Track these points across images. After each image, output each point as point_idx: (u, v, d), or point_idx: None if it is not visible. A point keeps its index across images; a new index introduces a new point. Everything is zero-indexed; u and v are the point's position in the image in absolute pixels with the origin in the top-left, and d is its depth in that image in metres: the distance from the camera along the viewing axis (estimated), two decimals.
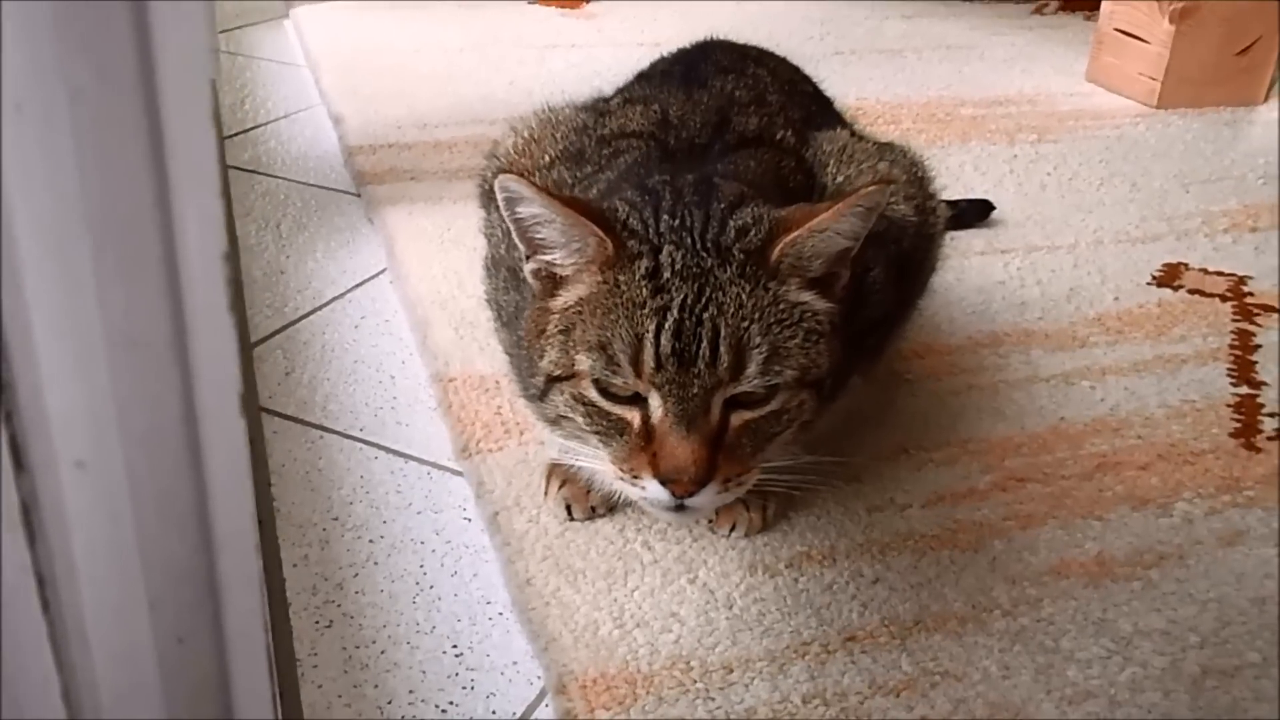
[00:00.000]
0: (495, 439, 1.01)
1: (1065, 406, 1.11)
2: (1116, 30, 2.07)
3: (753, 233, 0.72)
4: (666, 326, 0.68)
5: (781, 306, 0.70)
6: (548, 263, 0.74)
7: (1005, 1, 2.80)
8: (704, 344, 0.68)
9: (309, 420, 1.06)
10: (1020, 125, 1.89)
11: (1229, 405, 1.12)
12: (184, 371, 0.32)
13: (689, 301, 0.68)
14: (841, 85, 1.16)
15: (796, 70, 1.08)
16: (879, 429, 1.06)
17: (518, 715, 0.77)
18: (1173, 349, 1.22)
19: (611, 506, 0.92)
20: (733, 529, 0.90)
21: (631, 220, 0.73)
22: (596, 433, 0.73)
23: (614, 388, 0.71)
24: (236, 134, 1.74)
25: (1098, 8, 2.15)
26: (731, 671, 0.79)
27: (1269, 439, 1.06)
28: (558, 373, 0.73)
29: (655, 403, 0.70)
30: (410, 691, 0.78)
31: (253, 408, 1.07)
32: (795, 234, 0.70)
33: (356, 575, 0.88)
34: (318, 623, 0.83)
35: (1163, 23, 1.96)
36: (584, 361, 0.71)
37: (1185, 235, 1.50)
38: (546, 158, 0.93)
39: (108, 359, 0.31)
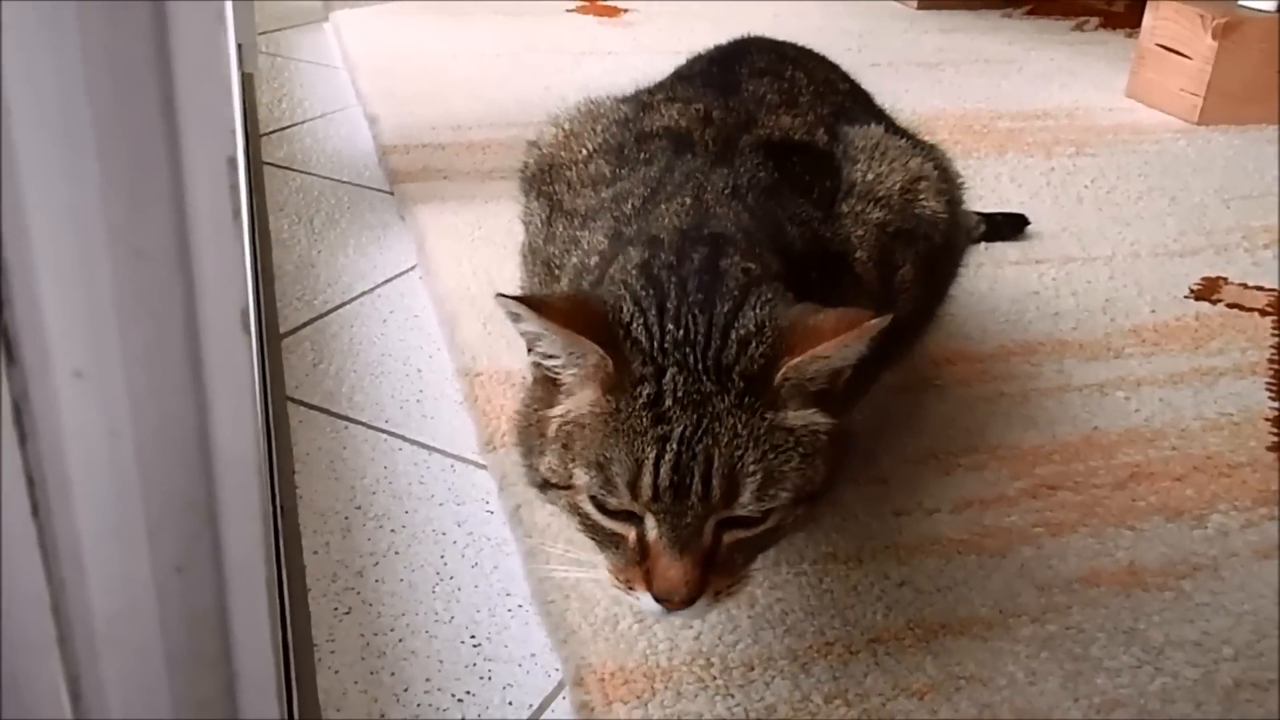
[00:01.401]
0: None
1: (1099, 416, 1.09)
2: (1158, 45, 2.05)
3: (754, 348, 0.69)
4: (666, 458, 0.66)
5: (778, 434, 0.68)
6: (549, 368, 0.72)
7: (1045, 17, 2.79)
8: (698, 476, 0.67)
9: (335, 411, 1.06)
10: (1058, 139, 1.87)
11: (1267, 419, 1.10)
12: (188, 285, 0.31)
13: (687, 434, 0.67)
14: (877, 97, 1.14)
15: (834, 68, 1.07)
16: (906, 434, 1.04)
17: (534, 706, 0.76)
18: (1210, 362, 1.20)
19: None
20: None
21: (635, 328, 0.70)
22: (593, 540, 0.73)
23: (610, 505, 0.70)
24: (272, 131, 1.75)
25: (1139, 25, 2.13)
26: (752, 669, 0.78)
27: None
28: (555, 481, 0.72)
29: (650, 525, 0.69)
30: (427, 680, 0.77)
31: (280, 398, 1.07)
32: (798, 360, 0.68)
33: (377, 564, 0.87)
34: (336, 609, 0.83)
35: (1205, 38, 1.94)
36: (581, 478, 0.69)
37: (1224, 250, 1.48)
38: (584, 151, 0.93)
39: (110, 267, 0.30)
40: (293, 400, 1.07)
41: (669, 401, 0.67)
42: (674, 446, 0.66)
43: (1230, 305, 1.33)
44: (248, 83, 1.90)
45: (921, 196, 0.90)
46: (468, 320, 1.18)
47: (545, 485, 0.73)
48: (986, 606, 0.84)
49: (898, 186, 0.89)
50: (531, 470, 0.74)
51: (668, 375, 0.68)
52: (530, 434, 0.74)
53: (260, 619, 0.38)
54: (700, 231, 0.77)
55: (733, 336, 0.69)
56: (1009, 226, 1.48)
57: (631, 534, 0.70)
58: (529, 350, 0.73)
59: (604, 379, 0.69)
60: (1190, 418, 1.09)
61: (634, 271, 0.74)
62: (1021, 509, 0.95)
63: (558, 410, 0.71)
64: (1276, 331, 1.27)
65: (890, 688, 0.76)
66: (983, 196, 1.55)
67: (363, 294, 1.28)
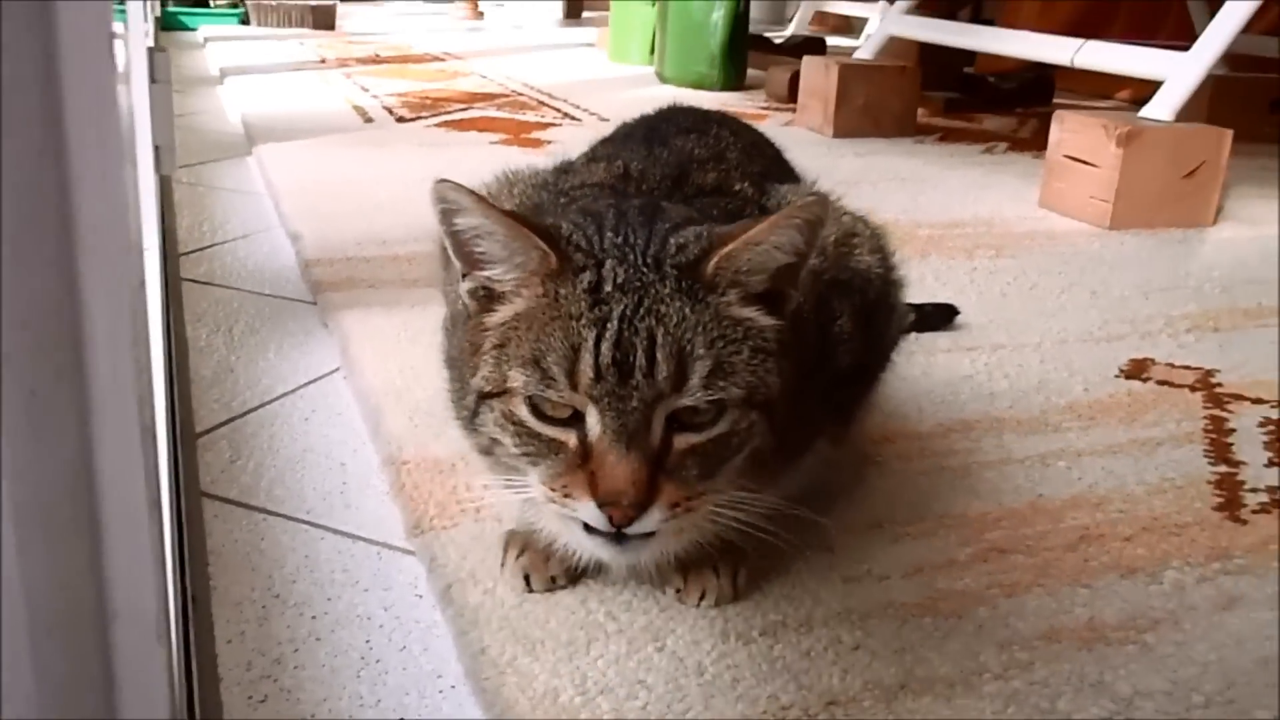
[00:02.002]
0: (450, 516, 0.96)
1: (1042, 485, 1.07)
2: (1066, 156, 2.13)
3: (691, 248, 0.69)
4: (607, 336, 0.65)
5: (724, 321, 0.67)
6: (486, 279, 0.71)
7: (955, 143, 2.89)
8: (642, 354, 0.64)
9: (252, 504, 1.00)
10: (977, 243, 1.91)
11: (1209, 482, 1.08)
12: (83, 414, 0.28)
13: (628, 312, 0.65)
14: None
15: (760, 134, 1.08)
16: (850, 505, 1.01)
17: None
18: (1146, 433, 1.19)
19: (573, 577, 0.87)
20: (702, 598, 0.85)
21: (575, 236, 0.70)
22: (526, 454, 0.69)
23: (548, 406, 0.67)
24: (192, 251, 1.72)
25: (1044, 148, 2.21)
26: None
27: (1254, 512, 1.03)
28: (488, 389, 0.69)
29: (593, 420, 0.66)
30: None
31: (193, 494, 1.01)
32: (730, 247, 0.68)
33: (297, 650, 0.81)
34: (251, 697, 0.76)
35: (1110, 145, 2.01)
36: (517, 378, 0.67)
37: (1149, 335, 1.49)
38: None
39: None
40: (207, 495, 1.01)
41: (609, 287, 0.66)
42: (615, 324, 0.64)
43: (1160, 382, 1.33)
44: (165, 185, 1.88)
45: (856, 250, 0.89)
46: (393, 414, 1.14)
47: (478, 402, 0.69)
48: (946, 666, 0.80)
49: (832, 238, 0.88)
50: (462, 404, 0.71)
51: (607, 265, 0.67)
52: (462, 363, 0.71)
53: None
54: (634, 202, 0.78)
55: (671, 241, 0.68)
56: (938, 317, 1.49)
57: (572, 438, 0.66)
58: (464, 276, 0.72)
59: (544, 275, 0.67)
60: (1133, 483, 1.08)
61: (573, 213, 0.74)
62: (974, 572, 0.92)
63: (495, 318, 0.69)
64: (1207, 405, 1.27)
65: None
66: (909, 293, 1.56)
67: (283, 395, 1.23)
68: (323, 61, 3.94)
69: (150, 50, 1.30)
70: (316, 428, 1.16)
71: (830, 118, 2.84)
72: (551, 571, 0.85)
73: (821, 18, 5.71)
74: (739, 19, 3.70)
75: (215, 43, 4.18)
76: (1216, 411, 1.25)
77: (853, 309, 0.86)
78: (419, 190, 0.96)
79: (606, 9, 4.68)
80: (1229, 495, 1.06)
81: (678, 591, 0.85)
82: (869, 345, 0.91)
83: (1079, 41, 2.34)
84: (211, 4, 4.88)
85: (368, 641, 0.82)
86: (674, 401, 0.66)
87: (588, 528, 0.69)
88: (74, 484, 0.34)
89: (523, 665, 0.77)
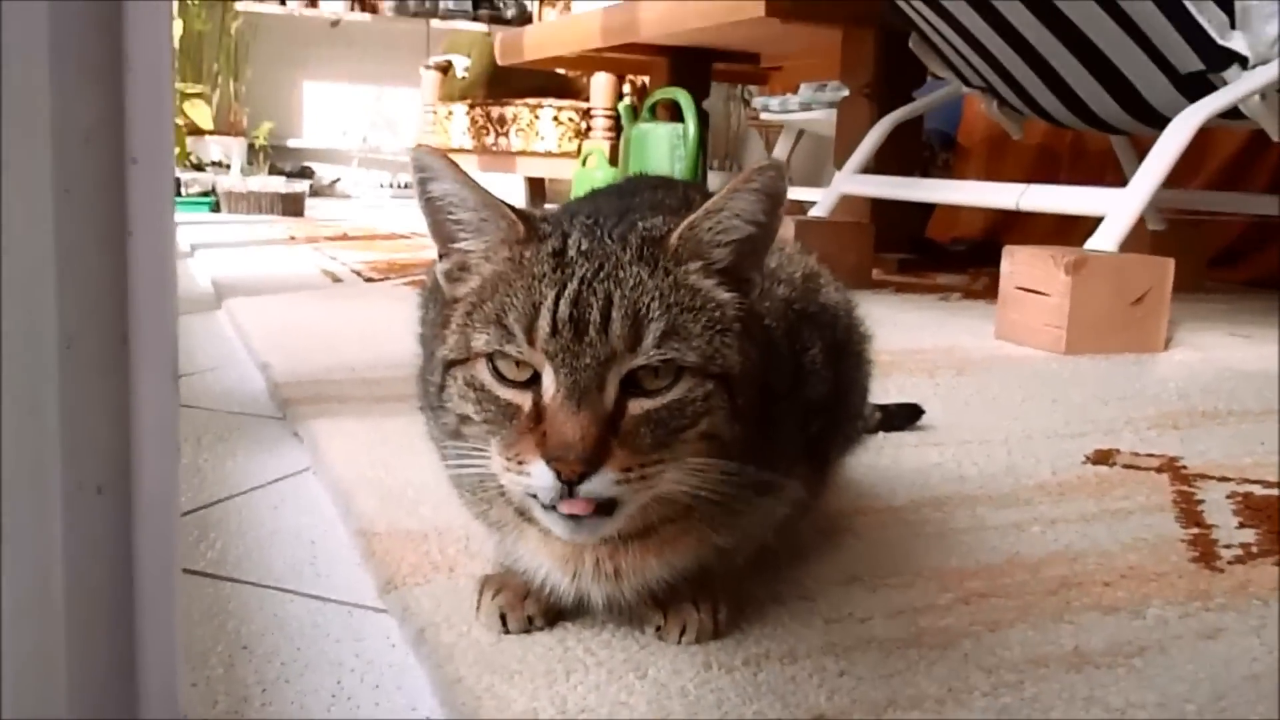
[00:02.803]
0: (423, 574, 0.94)
1: (1018, 545, 1.07)
2: (1018, 288, 2.20)
3: (656, 228, 0.73)
4: (565, 295, 0.67)
5: (682, 290, 0.70)
6: (460, 250, 0.73)
7: (910, 293, 2.97)
8: (598, 313, 0.66)
9: (219, 574, 0.98)
10: (938, 365, 1.95)
11: (1183, 541, 1.09)
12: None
13: (588, 275, 0.68)
14: None
15: None
16: (827, 562, 1.00)
17: None
18: (1117, 504, 1.20)
19: (551, 618, 0.85)
20: (683, 633, 0.83)
21: (544, 216, 0.75)
22: (487, 421, 0.69)
23: (507, 367, 0.68)
24: None
25: (997, 297, 2.28)
26: None
27: (1229, 562, 1.03)
28: (454, 355, 0.70)
29: (548, 380, 0.67)
30: None
31: None
32: (692, 217, 0.71)
33: (265, 690, 0.78)
34: None
35: (1059, 274, 2.08)
36: (479, 339, 0.69)
37: (1111, 432, 1.52)
38: None
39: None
40: None
41: (572, 252, 0.68)
42: (574, 285, 0.66)
43: (1126, 466, 1.35)
44: None
45: (823, 287, 0.92)
46: (365, 497, 1.13)
47: (444, 374, 0.70)
48: (934, 687, 0.78)
49: (799, 274, 0.91)
50: (430, 381, 0.72)
51: (573, 235, 0.70)
52: (432, 340, 0.74)
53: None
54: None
55: (637, 223, 0.71)
56: (903, 416, 1.51)
57: (528, 401, 0.66)
58: (441, 257, 0.74)
59: (512, 242, 0.70)
60: (1108, 544, 1.08)
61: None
62: (956, 613, 0.90)
63: (464, 289, 0.71)
64: (1174, 483, 1.28)
65: None
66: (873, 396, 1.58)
67: (251, 489, 1.22)
68: (292, 239, 4.03)
69: None
70: (286, 514, 1.14)
71: None
72: (528, 611, 0.84)
73: None
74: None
75: (186, 225, 4.27)
76: (1184, 488, 1.26)
77: (823, 342, 0.88)
78: (388, 330, 1.00)
79: (568, 195, 4.86)
80: (1204, 550, 1.06)
81: (658, 629, 0.84)
82: (839, 382, 0.92)
83: (1022, 186, 2.45)
84: (184, 193, 5.01)
85: (339, 682, 0.79)
86: (628, 362, 0.67)
87: (546, 507, 0.68)
88: None
89: (501, 692, 0.75)
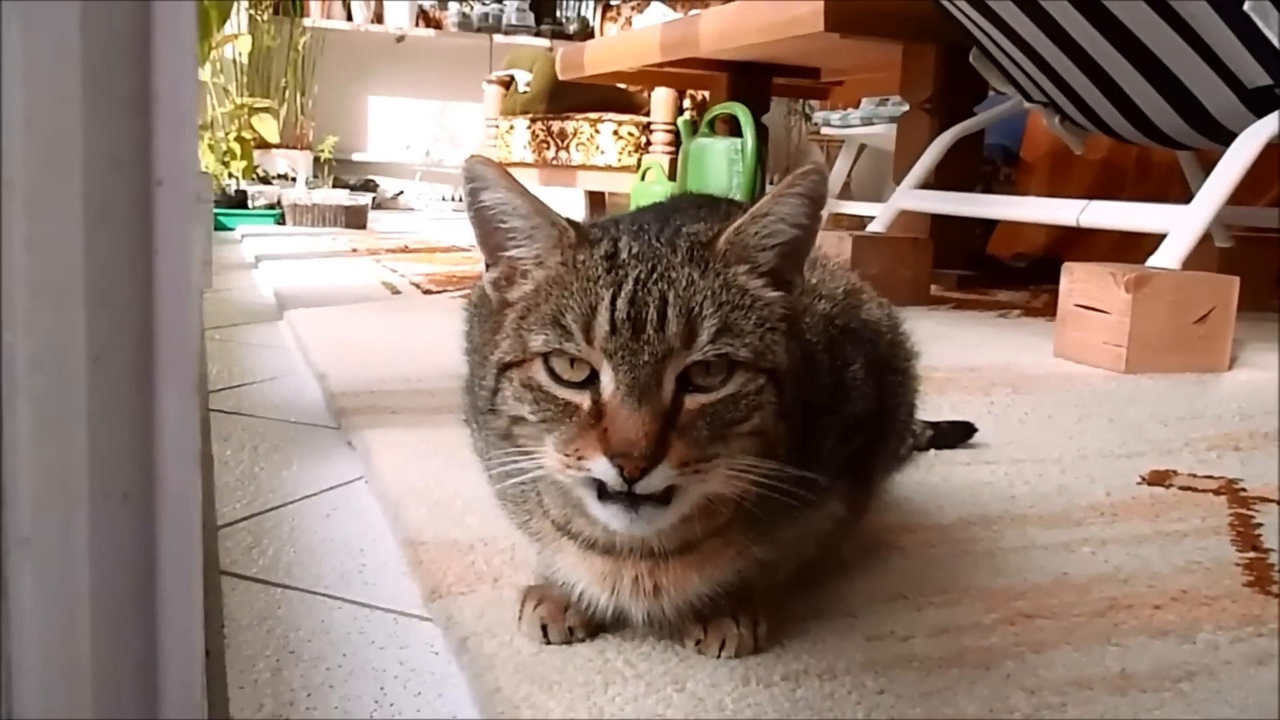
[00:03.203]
0: (467, 584, 0.95)
1: (1067, 566, 1.06)
2: (1078, 305, 2.17)
3: (702, 233, 0.75)
4: (622, 295, 0.69)
5: (732, 290, 0.72)
6: (509, 259, 0.75)
7: (968, 310, 2.95)
8: (654, 311, 0.68)
9: (270, 580, 1.00)
10: (994, 382, 1.93)
11: (1237, 565, 1.07)
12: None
13: (642, 276, 0.70)
14: None
15: None
16: (871, 579, 1.00)
17: None
18: (1171, 527, 1.18)
19: (591, 630, 0.85)
20: (722, 647, 0.83)
21: (593, 225, 0.77)
22: (544, 421, 0.71)
23: (564, 367, 0.70)
24: (220, 389, 1.75)
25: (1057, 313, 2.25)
26: None
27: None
28: (510, 358, 0.72)
29: (606, 378, 0.69)
30: None
31: (212, 573, 1.01)
32: (738, 222, 0.73)
33: (309, 695, 0.79)
34: None
35: (1119, 291, 2.05)
36: (536, 340, 0.70)
37: (1169, 453, 1.49)
38: None
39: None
40: (225, 573, 1.01)
41: (624, 255, 0.70)
42: (630, 286, 0.68)
43: (1183, 488, 1.32)
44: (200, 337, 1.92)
45: (865, 303, 0.92)
46: (413, 507, 1.15)
47: (499, 377, 0.71)
48: (974, 707, 0.77)
49: (841, 290, 0.91)
50: (481, 387, 0.73)
51: (623, 240, 0.72)
52: (483, 348, 0.74)
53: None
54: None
55: (684, 229, 0.72)
56: (955, 434, 1.50)
57: (586, 399, 0.68)
58: (489, 267, 0.76)
59: (564, 247, 0.72)
60: (1160, 566, 1.06)
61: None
62: (999, 633, 0.90)
63: (516, 293, 0.73)
64: (1233, 505, 1.26)
65: None
66: (925, 414, 1.57)
67: (304, 497, 1.24)
68: (354, 251, 4.09)
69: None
70: (337, 522, 1.16)
71: None
72: (569, 623, 0.84)
73: (836, 219, 5.92)
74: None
75: (251, 238, 4.36)
76: (1242, 510, 1.24)
77: (865, 358, 0.88)
78: (444, 344, 1.02)
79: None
80: (1259, 574, 1.04)
81: (698, 643, 0.84)
82: (882, 399, 0.92)
83: (1083, 202, 2.42)
84: (250, 205, 5.11)
85: (382, 688, 0.81)
86: (684, 358, 0.68)
87: (601, 495, 0.69)
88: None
89: (539, 702, 0.76)
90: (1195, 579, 1.03)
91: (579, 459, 0.68)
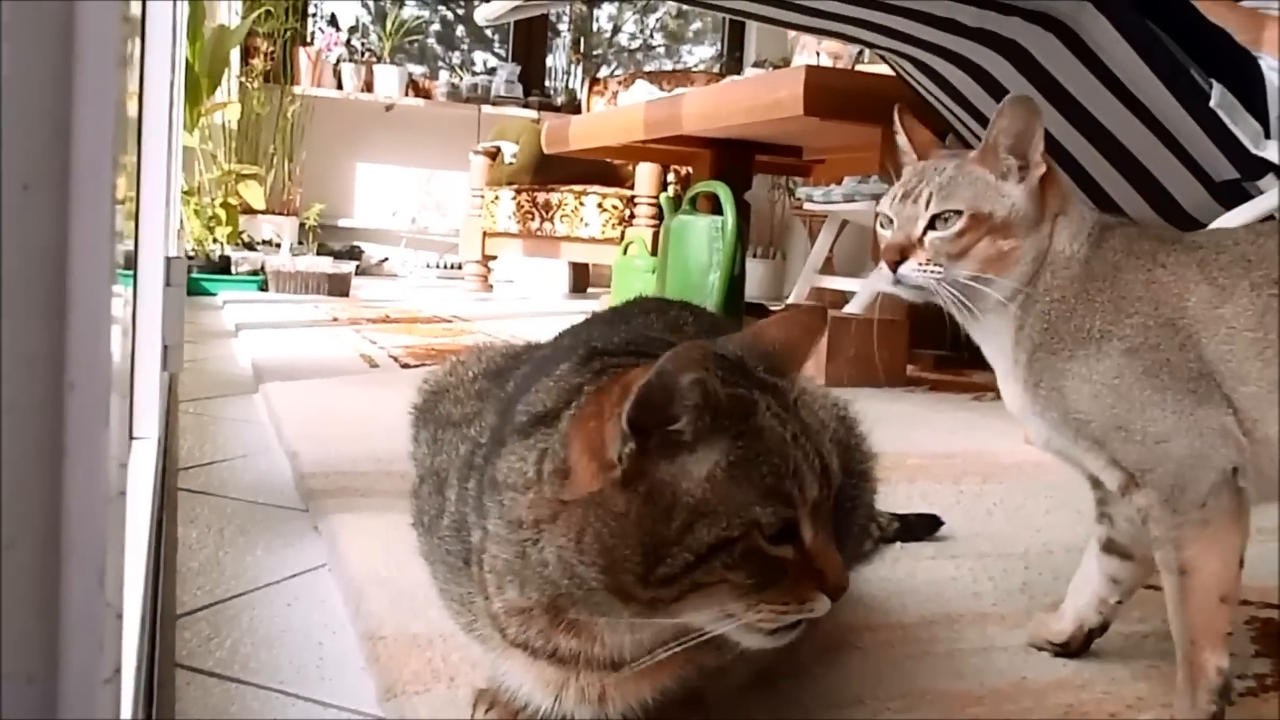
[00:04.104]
0: (423, 682, 0.95)
1: (1026, 669, 1.06)
2: None
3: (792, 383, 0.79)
4: (805, 450, 0.72)
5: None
6: (672, 431, 0.70)
7: (944, 392, 2.97)
8: (822, 458, 0.73)
9: (225, 674, 0.99)
10: (965, 471, 1.94)
11: None
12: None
13: (797, 431, 0.73)
14: None
15: (722, 319, 1.13)
16: (830, 681, 1.00)
17: None
18: (1133, 628, 1.18)
19: None
20: None
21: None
22: (757, 586, 0.70)
23: (777, 527, 0.71)
24: (191, 467, 1.75)
25: None
26: None
27: (1240, 694, 1.01)
28: (734, 533, 0.69)
29: (806, 529, 0.72)
30: None
31: (167, 666, 1.01)
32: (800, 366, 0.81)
33: None
34: None
35: None
36: (764, 510, 0.69)
37: None
38: (470, 373, 0.97)
39: None
40: (181, 666, 1.01)
41: (773, 409, 0.73)
42: (801, 440, 0.72)
43: (1148, 586, 1.33)
44: (172, 383, 1.93)
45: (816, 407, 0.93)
46: (376, 597, 1.14)
47: (707, 556, 0.69)
48: None
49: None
50: (653, 577, 0.69)
51: (755, 393, 0.73)
52: (654, 529, 0.69)
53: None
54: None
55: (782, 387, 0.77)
56: (922, 527, 1.50)
57: (790, 550, 0.71)
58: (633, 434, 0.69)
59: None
60: (1118, 670, 1.07)
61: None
62: None
63: (697, 469, 0.70)
64: None
65: None
66: (891, 505, 1.58)
67: (267, 585, 1.23)
68: (335, 320, 4.10)
69: (167, 259, 1.39)
70: (298, 612, 1.16)
71: (822, 367, 2.93)
72: None
73: (819, 294, 5.97)
74: (734, 283, 3.87)
75: (233, 304, 4.37)
76: None
77: None
78: None
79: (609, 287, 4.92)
80: None
81: None
82: (839, 503, 0.92)
83: None
84: (234, 271, 5.13)
85: None
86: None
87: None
88: None
89: None
90: (1152, 684, 1.03)
91: (801, 604, 0.72)
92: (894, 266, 1.02)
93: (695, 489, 0.69)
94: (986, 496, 1.76)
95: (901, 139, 1.13)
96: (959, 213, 1.00)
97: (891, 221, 1.04)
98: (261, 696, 0.95)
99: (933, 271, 1.00)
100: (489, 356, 0.99)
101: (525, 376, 0.85)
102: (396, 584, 1.18)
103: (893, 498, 1.67)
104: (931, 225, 1.01)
